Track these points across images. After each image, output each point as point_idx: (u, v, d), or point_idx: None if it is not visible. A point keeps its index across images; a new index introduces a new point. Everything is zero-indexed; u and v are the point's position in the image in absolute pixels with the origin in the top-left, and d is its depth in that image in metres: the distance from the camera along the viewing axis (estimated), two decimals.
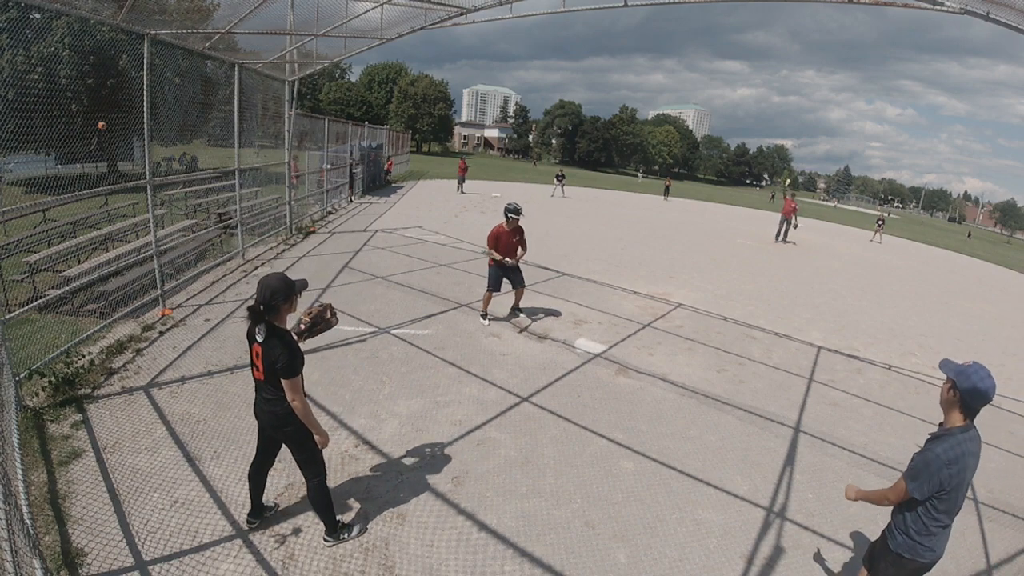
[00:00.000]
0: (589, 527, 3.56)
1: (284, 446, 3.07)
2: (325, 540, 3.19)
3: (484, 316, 7.20)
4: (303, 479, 3.10)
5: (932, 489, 2.38)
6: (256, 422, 3.06)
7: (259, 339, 2.76)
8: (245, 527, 3.25)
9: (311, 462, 3.04)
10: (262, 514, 3.30)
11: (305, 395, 2.90)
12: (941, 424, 2.51)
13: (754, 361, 6.90)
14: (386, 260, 10.00)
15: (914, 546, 2.52)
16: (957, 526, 3.99)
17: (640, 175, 75.94)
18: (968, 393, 2.35)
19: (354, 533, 3.27)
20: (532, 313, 7.68)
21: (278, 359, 2.74)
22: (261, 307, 2.73)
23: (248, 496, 3.25)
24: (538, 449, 4.38)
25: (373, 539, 3.27)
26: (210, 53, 7.88)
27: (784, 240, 19.02)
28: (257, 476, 3.21)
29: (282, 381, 2.78)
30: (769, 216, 30.23)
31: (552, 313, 7.81)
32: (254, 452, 3.18)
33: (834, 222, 37.73)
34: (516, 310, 7.45)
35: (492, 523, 3.50)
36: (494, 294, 7.09)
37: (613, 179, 61.46)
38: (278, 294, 2.76)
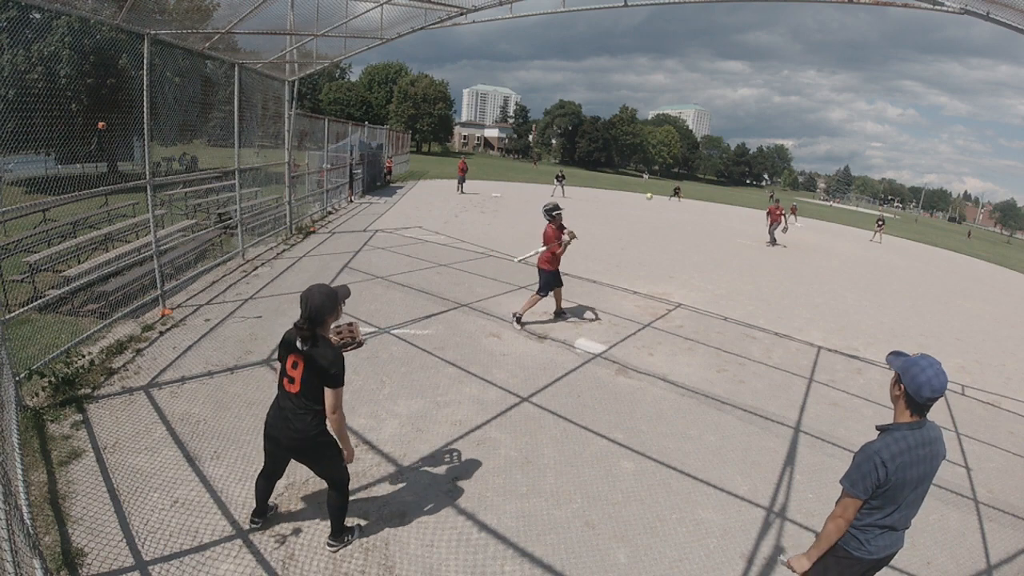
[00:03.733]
0: (589, 527, 3.56)
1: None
2: (329, 544, 3.14)
3: (519, 320, 7.11)
4: (303, 479, 3.10)
5: (870, 486, 2.23)
6: (265, 432, 2.98)
7: (301, 349, 2.69)
8: (247, 527, 3.25)
9: (334, 473, 2.99)
10: (266, 515, 3.31)
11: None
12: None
13: (754, 361, 6.90)
14: (386, 260, 10.00)
15: (848, 537, 2.40)
16: (956, 526, 4.00)
17: (646, 176, 75.80)
18: (913, 387, 2.18)
19: (355, 536, 3.25)
20: (531, 312, 7.68)
21: (326, 369, 2.68)
22: (307, 322, 2.67)
23: (253, 497, 3.25)
24: (538, 449, 4.38)
25: (373, 539, 3.27)
26: (210, 53, 7.88)
27: (772, 243, 18.66)
28: (266, 484, 3.20)
29: (326, 391, 2.72)
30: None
31: (552, 313, 7.81)
32: (255, 452, 3.18)
33: (834, 222, 37.72)
34: (561, 313, 7.63)
35: (492, 523, 3.49)
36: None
37: (613, 179, 61.46)
38: (323, 309, 2.70)
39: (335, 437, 2.88)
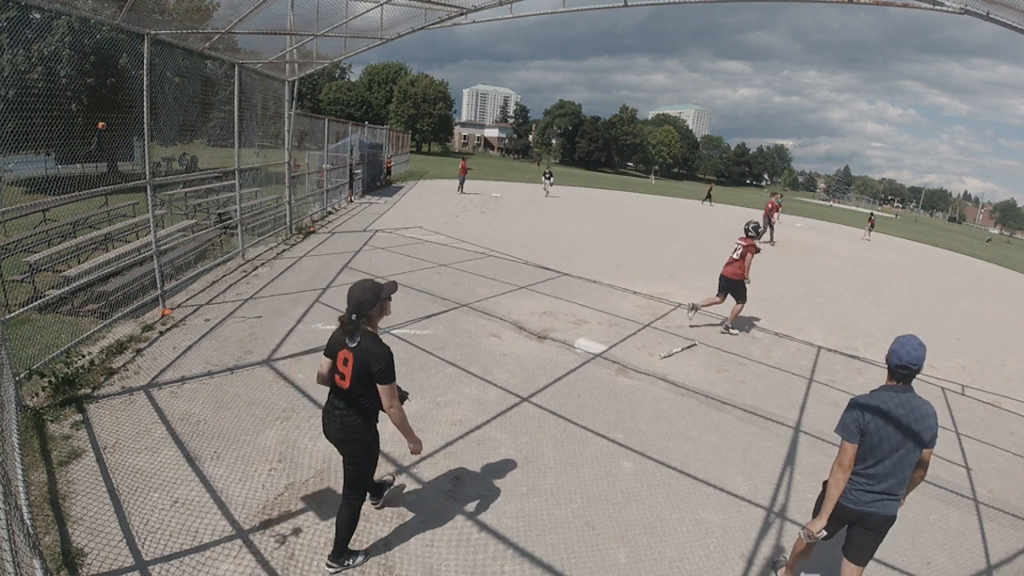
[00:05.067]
0: (589, 527, 3.56)
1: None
2: (328, 566, 2.98)
3: (693, 309, 7.85)
4: (303, 479, 3.10)
5: (853, 427, 2.62)
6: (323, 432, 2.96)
7: (350, 345, 2.70)
8: (372, 504, 3.48)
9: (358, 482, 2.95)
10: (382, 492, 3.51)
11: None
12: None
13: (754, 361, 6.90)
14: (386, 260, 10.00)
15: (853, 487, 2.70)
16: (956, 526, 4.01)
17: (653, 178, 75.64)
18: (887, 356, 2.66)
19: (358, 560, 3.07)
20: (531, 312, 7.69)
21: (374, 365, 2.67)
22: (353, 317, 2.69)
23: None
24: (538, 449, 4.38)
25: (373, 539, 3.27)
26: (210, 53, 7.88)
27: (768, 241, 18.75)
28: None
29: (379, 387, 2.70)
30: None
31: (552, 313, 7.81)
32: (255, 452, 3.18)
33: (834, 222, 37.71)
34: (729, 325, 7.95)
35: (492, 523, 3.50)
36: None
37: (613, 179, 61.47)
38: (365, 304, 2.69)
39: (371, 437, 2.89)
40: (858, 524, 2.75)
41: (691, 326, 7.95)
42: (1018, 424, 6.09)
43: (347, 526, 2.96)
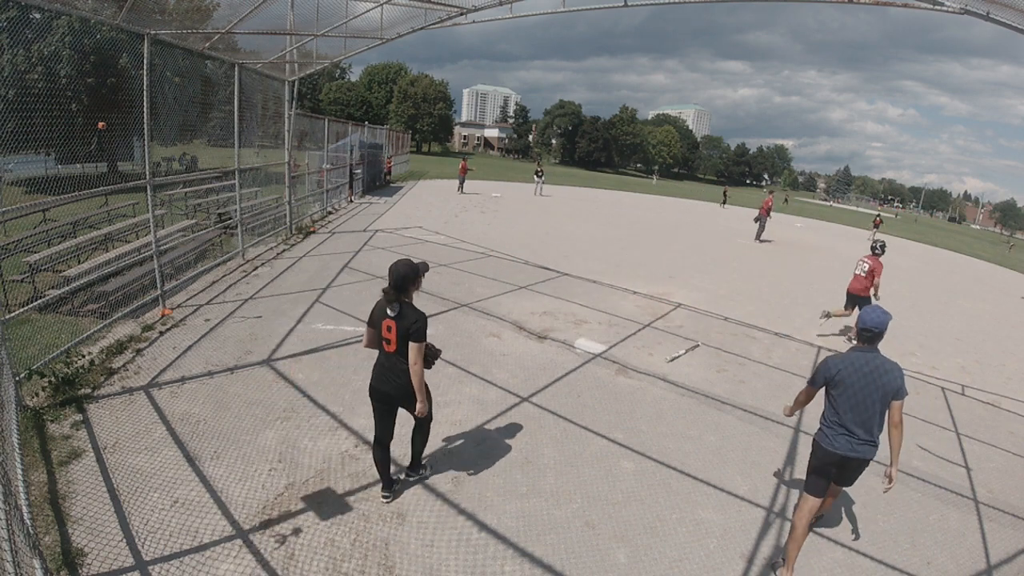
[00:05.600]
0: (589, 527, 3.56)
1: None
2: (408, 475, 3.79)
3: (826, 316, 8.26)
4: (303, 479, 3.11)
5: (822, 378, 3.20)
6: (371, 390, 3.41)
7: (391, 314, 3.21)
8: (381, 499, 3.57)
9: (426, 422, 3.59)
10: (393, 487, 3.62)
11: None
12: None
13: (754, 361, 6.90)
14: (386, 260, 9.98)
15: (822, 434, 3.26)
16: (956, 526, 4.01)
17: (655, 179, 75.55)
18: (856, 322, 3.19)
19: (427, 473, 3.85)
20: (531, 312, 7.69)
21: (411, 326, 3.19)
22: (394, 289, 3.20)
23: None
24: (538, 449, 4.38)
25: (373, 539, 3.27)
26: (210, 53, 7.88)
27: (760, 239, 18.76)
28: (383, 452, 3.53)
29: (410, 345, 3.20)
30: (777, 218, 30.26)
31: (552, 313, 7.81)
32: (255, 452, 3.17)
33: (834, 222, 37.71)
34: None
35: (492, 523, 3.50)
36: None
37: (613, 179, 61.47)
38: (407, 278, 3.22)
39: (418, 387, 3.29)
40: (840, 468, 3.23)
41: (819, 335, 8.31)
42: (1018, 424, 6.09)
43: (420, 446, 3.73)
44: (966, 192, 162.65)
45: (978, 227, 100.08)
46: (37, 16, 7.65)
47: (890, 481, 3.12)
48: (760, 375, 6.45)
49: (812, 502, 3.26)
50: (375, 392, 3.40)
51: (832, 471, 3.25)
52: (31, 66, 11.25)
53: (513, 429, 4.64)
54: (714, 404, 5.52)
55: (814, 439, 3.30)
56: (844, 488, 3.46)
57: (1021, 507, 4.39)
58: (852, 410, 3.09)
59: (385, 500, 3.57)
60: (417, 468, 3.83)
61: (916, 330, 9.60)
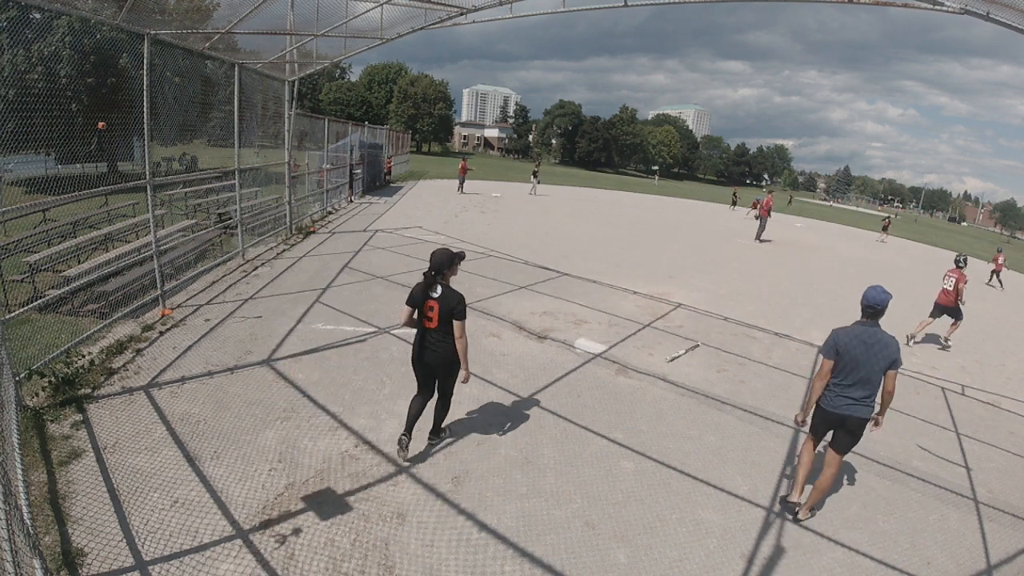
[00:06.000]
0: (589, 527, 3.56)
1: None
2: (429, 439, 4.20)
3: (912, 339, 8.58)
4: (303, 479, 3.11)
5: (830, 348, 3.59)
6: (414, 360, 3.94)
7: (434, 295, 3.71)
8: (397, 445, 3.95)
9: (451, 389, 4.05)
10: (411, 434, 3.97)
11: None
12: None
13: (754, 361, 6.90)
14: (386, 260, 10.00)
15: (824, 396, 3.69)
16: (956, 526, 4.01)
17: (656, 180, 75.45)
18: (861, 299, 3.62)
19: (447, 436, 4.31)
20: (531, 312, 7.69)
21: (455, 307, 3.68)
22: (434, 272, 3.72)
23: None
24: (538, 449, 4.38)
25: (373, 539, 3.27)
26: (210, 53, 7.88)
27: (760, 239, 18.81)
28: (420, 403, 4.02)
29: (455, 323, 3.69)
30: (778, 218, 30.31)
31: (552, 313, 7.81)
32: (255, 452, 3.17)
33: (834, 222, 37.71)
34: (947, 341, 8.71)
35: (492, 523, 3.50)
36: None
37: (613, 179, 61.47)
38: (444, 264, 3.76)
39: (459, 358, 3.81)
40: (840, 427, 3.67)
41: (913, 343, 8.63)
42: (1018, 424, 6.09)
43: (442, 414, 4.16)
44: (966, 192, 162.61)
45: (967, 224, 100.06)
46: (37, 16, 7.65)
47: (876, 425, 3.70)
48: (760, 375, 6.45)
49: (811, 440, 3.90)
50: (417, 363, 3.92)
51: (831, 429, 3.73)
52: (31, 66, 11.25)
53: (513, 429, 4.64)
54: (714, 404, 5.52)
55: (817, 400, 3.73)
56: (841, 456, 3.75)
57: (1021, 507, 4.39)
58: (853, 374, 3.54)
59: (402, 441, 3.93)
60: (438, 433, 4.27)
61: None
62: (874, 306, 3.55)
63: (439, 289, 3.72)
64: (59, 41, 11.75)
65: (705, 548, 3.49)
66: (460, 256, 3.87)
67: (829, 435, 3.84)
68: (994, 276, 17.01)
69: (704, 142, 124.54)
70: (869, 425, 3.65)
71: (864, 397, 3.55)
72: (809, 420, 3.82)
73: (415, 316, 3.83)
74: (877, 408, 3.68)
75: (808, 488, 3.89)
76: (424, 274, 3.75)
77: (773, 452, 4.74)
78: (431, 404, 4.14)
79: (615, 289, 9.64)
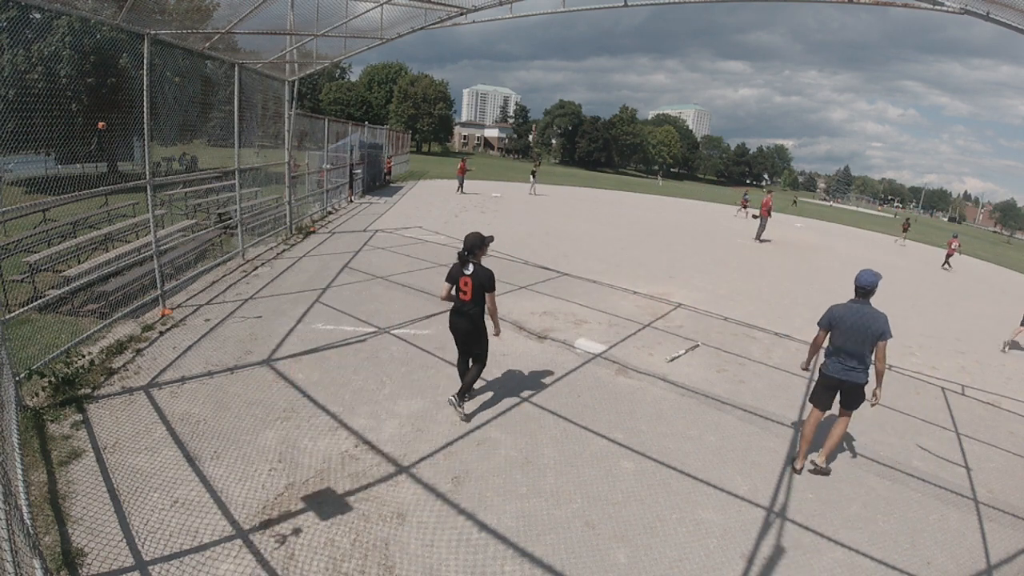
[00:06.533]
0: (589, 527, 3.56)
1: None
2: (455, 400, 4.64)
3: (1007, 345, 9.06)
4: (303, 479, 3.10)
5: (825, 320, 4.24)
6: (451, 329, 4.61)
7: (467, 272, 4.37)
8: (458, 409, 4.60)
9: (482, 355, 4.66)
10: (464, 398, 4.68)
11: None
12: None
13: (754, 361, 6.90)
14: (386, 260, 10.00)
15: (824, 363, 4.32)
16: (956, 526, 4.02)
17: (660, 179, 75.40)
18: (854, 280, 4.20)
19: (464, 409, 4.68)
20: (531, 312, 7.69)
21: (486, 282, 4.35)
22: (467, 252, 4.37)
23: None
24: (538, 449, 4.38)
25: (373, 539, 3.27)
26: (210, 53, 7.88)
27: (760, 239, 18.87)
28: (464, 367, 4.76)
29: (486, 295, 4.39)
30: (778, 218, 30.30)
31: (552, 313, 7.81)
32: (255, 452, 3.16)
33: (834, 222, 37.70)
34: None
35: (492, 523, 3.49)
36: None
37: (613, 179, 61.47)
38: (475, 245, 4.39)
39: (488, 324, 4.57)
40: (841, 390, 4.27)
41: (1008, 348, 9.03)
42: (1018, 424, 6.09)
43: (472, 380, 4.66)
44: (966, 192, 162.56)
45: (952, 221, 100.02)
46: (37, 16, 7.65)
47: (876, 398, 4.14)
48: (760, 375, 6.45)
49: (816, 413, 4.40)
50: (453, 330, 4.60)
51: (832, 393, 4.32)
52: (31, 66, 11.25)
53: (513, 429, 4.64)
54: (714, 404, 5.52)
55: (820, 368, 4.38)
56: (850, 413, 4.36)
57: (1021, 507, 4.39)
58: (846, 344, 4.11)
59: (451, 401, 4.65)
60: (463, 396, 4.67)
61: (916, 330, 9.59)
62: (865, 286, 4.12)
63: (471, 267, 4.35)
64: (59, 41, 11.75)
65: (705, 548, 3.49)
66: (490, 239, 4.48)
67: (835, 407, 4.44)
68: (947, 260, 19.32)
69: (704, 142, 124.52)
70: (868, 400, 4.22)
71: (858, 364, 4.13)
72: (815, 378, 4.51)
73: (453, 292, 4.48)
74: (873, 382, 4.15)
75: (812, 455, 4.50)
76: (458, 254, 4.37)
77: (773, 452, 4.74)
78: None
79: (615, 289, 9.64)
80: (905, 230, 27.08)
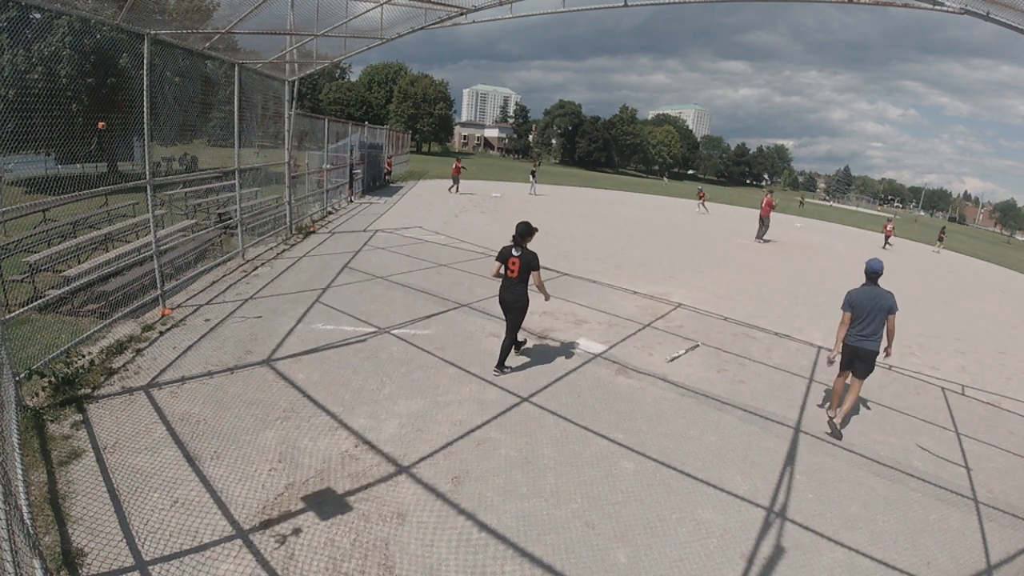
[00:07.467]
0: (589, 527, 3.56)
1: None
2: (495, 372, 5.55)
3: None
4: (303, 479, 3.10)
5: (847, 303, 5.09)
6: (500, 302, 5.44)
7: (516, 253, 5.24)
8: (491, 377, 5.32)
9: (518, 325, 5.52)
10: (520, 346, 6.13)
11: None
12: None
13: (754, 361, 6.90)
14: (386, 260, 10.00)
15: (848, 336, 5.12)
16: (956, 526, 4.02)
17: (666, 179, 75.26)
18: (865, 267, 5.14)
19: (507, 371, 5.62)
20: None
21: (531, 262, 5.20)
22: (519, 236, 5.24)
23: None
24: (538, 449, 4.38)
25: (373, 539, 3.27)
26: (210, 53, 7.88)
27: (762, 239, 18.88)
28: (510, 345, 5.58)
29: (532, 273, 5.22)
30: (777, 218, 30.27)
31: (552, 313, 7.81)
32: (255, 452, 3.17)
33: (834, 222, 37.70)
34: None
35: (492, 523, 3.49)
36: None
37: (613, 179, 61.47)
38: (525, 233, 5.26)
39: (531, 298, 5.44)
40: (856, 357, 5.11)
41: None
42: (1018, 424, 6.09)
43: (508, 349, 5.57)
44: (966, 192, 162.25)
45: (952, 221, 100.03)
46: (37, 16, 7.65)
47: (887, 354, 5.12)
48: (760, 375, 6.45)
49: (842, 375, 5.30)
50: (502, 301, 5.40)
51: (851, 360, 5.14)
52: (31, 66, 11.25)
53: (513, 429, 4.64)
54: (714, 404, 5.52)
55: (842, 342, 5.16)
56: (861, 380, 5.19)
57: (1021, 507, 4.39)
58: (862, 320, 5.02)
59: (496, 375, 5.53)
60: (501, 366, 5.56)
61: (916, 330, 9.59)
62: (875, 271, 5.07)
63: (520, 250, 5.22)
64: (59, 41, 11.75)
65: (705, 548, 3.49)
66: (536, 229, 5.38)
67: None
68: (885, 242, 23.35)
69: (704, 142, 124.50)
70: (880, 356, 5.08)
71: (872, 334, 5.02)
72: (838, 360, 5.21)
73: (501, 271, 5.36)
74: (885, 343, 5.07)
75: (840, 409, 5.22)
76: (512, 238, 5.27)
77: (773, 452, 4.74)
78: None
79: (615, 289, 9.64)
80: (941, 240, 26.41)
